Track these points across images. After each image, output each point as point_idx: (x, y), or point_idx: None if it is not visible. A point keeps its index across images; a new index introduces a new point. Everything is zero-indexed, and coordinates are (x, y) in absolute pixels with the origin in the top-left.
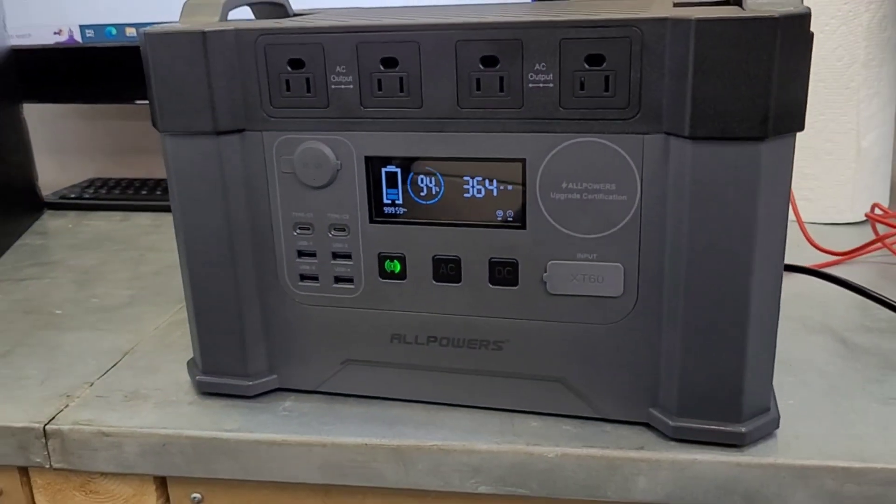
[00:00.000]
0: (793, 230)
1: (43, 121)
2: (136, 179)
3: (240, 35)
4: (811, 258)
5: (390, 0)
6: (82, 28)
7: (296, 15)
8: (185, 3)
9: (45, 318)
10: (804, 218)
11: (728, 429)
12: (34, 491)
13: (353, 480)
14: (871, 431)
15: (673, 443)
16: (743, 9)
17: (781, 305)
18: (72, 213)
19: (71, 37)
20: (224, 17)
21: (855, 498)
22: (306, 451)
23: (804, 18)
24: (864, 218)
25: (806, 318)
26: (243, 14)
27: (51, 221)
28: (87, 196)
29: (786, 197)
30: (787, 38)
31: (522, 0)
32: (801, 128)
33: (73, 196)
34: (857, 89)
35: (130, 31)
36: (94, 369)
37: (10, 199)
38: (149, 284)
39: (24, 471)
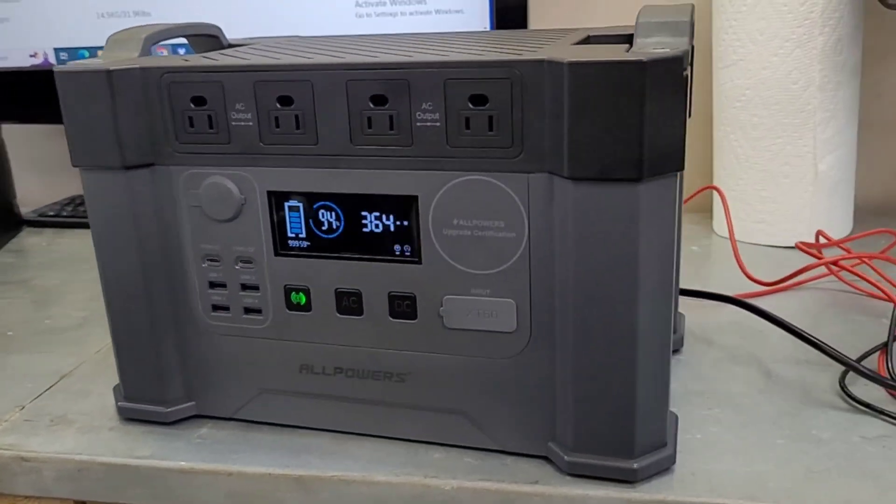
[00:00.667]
0: (730, 256)
1: (29, 140)
2: None
3: (146, 72)
4: (751, 286)
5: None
6: (56, 51)
7: (229, 46)
8: (108, 38)
9: None
10: (762, 241)
11: (620, 465)
12: None
13: None
14: (770, 468)
15: (569, 477)
16: (625, 52)
17: (713, 335)
18: (49, 231)
19: (46, 59)
20: (146, 52)
21: None
22: (213, 479)
23: (676, 61)
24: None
25: (735, 348)
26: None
27: (27, 239)
28: (65, 213)
29: (671, 235)
30: (658, 81)
31: (481, 30)
32: (681, 167)
33: (51, 213)
34: (813, 112)
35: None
36: (28, 392)
37: None
38: (103, 306)
39: None
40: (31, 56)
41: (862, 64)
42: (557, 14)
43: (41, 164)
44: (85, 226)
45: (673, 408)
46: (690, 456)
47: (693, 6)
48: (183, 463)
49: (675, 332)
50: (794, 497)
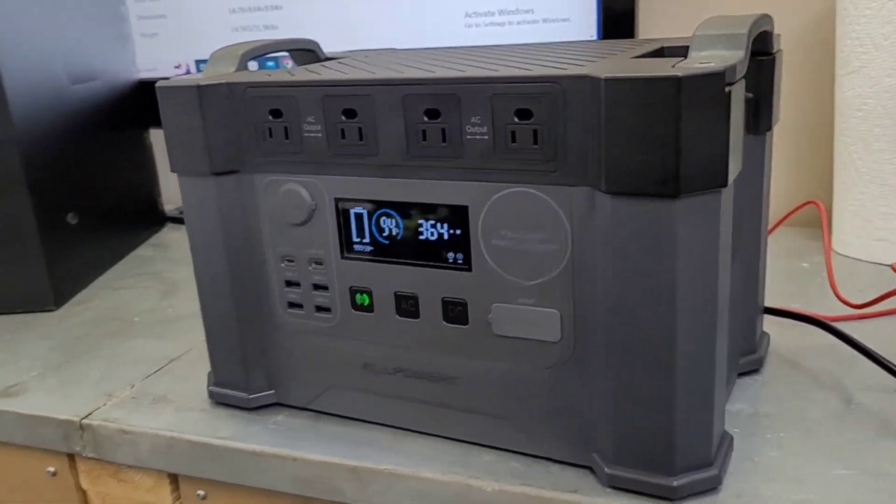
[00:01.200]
0: (842, 275)
1: None
2: None
3: (231, 87)
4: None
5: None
6: (197, 63)
7: (326, 59)
8: (211, 53)
9: (123, 324)
10: (883, 259)
11: (659, 481)
12: (79, 474)
13: (318, 494)
14: (814, 498)
15: (609, 490)
16: (673, 66)
17: (800, 357)
18: None
19: (188, 70)
20: (242, 67)
21: None
22: (280, 463)
23: (716, 77)
24: None
25: (821, 373)
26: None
27: (168, 234)
28: None
29: (714, 253)
30: (695, 96)
31: (579, 39)
32: (723, 184)
33: None
34: None
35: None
36: (140, 373)
37: (131, 214)
38: None
39: (70, 457)
40: (176, 67)
41: None
42: (668, 22)
43: None
44: None
45: (735, 429)
46: (741, 478)
47: (761, 17)
48: (255, 446)
49: (754, 353)
50: None
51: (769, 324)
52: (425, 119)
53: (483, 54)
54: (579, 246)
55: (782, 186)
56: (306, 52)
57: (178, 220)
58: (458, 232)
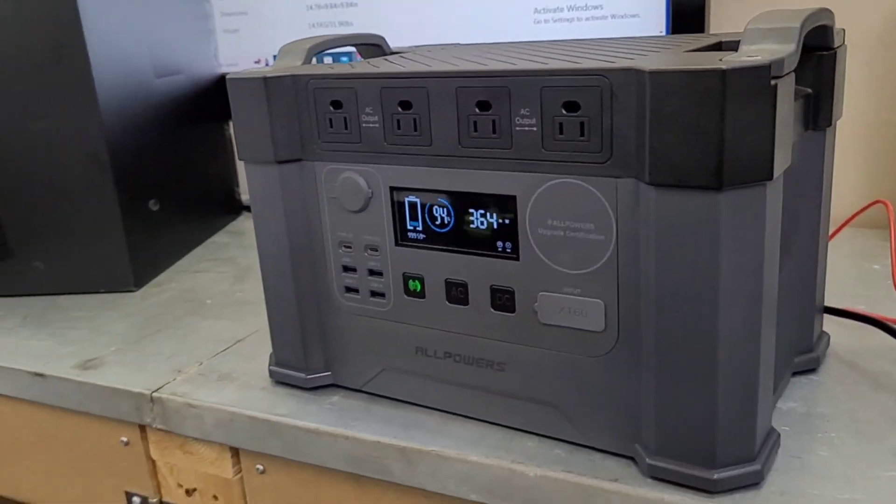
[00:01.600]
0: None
1: None
2: None
3: (295, 80)
4: None
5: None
6: (275, 58)
7: (391, 53)
8: (281, 48)
9: (196, 306)
10: None
11: (700, 474)
12: (150, 445)
13: (369, 472)
14: (861, 498)
15: (650, 480)
16: (721, 60)
17: (860, 358)
18: None
19: (267, 65)
20: (308, 61)
21: None
22: (333, 441)
23: (761, 70)
24: None
25: (881, 375)
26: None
27: (245, 222)
28: None
29: (759, 246)
30: (738, 90)
31: (643, 35)
32: (768, 177)
33: None
34: None
35: (327, 61)
36: (208, 352)
37: (209, 202)
38: None
39: (142, 428)
40: (256, 62)
41: None
42: (743, 16)
43: None
44: None
45: (785, 427)
46: (786, 476)
47: (818, 11)
48: (311, 423)
49: (810, 352)
50: None
51: (831, 324)
52: (477, 111)
53: (541, 49)
54: (624, 237)
55: (857, 186)
56: (373, 47)
57: None
58: (507, 221)
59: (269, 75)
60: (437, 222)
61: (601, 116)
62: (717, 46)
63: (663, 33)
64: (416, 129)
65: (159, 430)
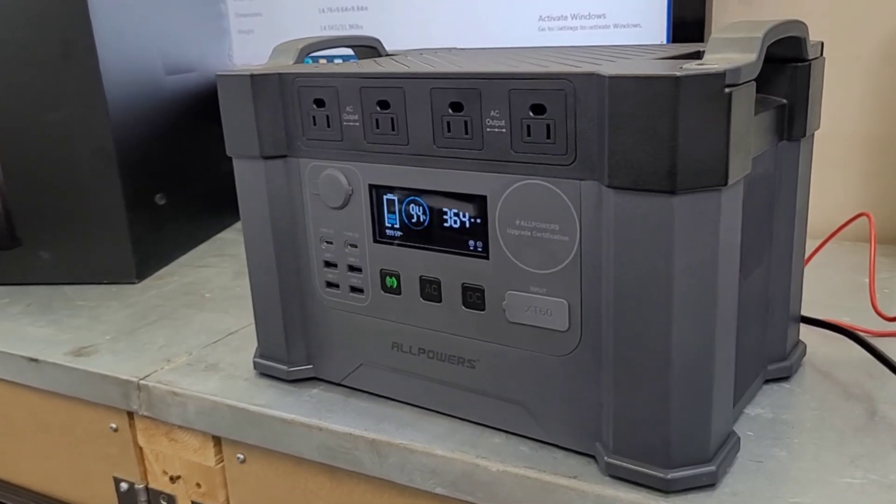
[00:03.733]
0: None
1: None
2: None
3: (281, 78)
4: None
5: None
6: None
7: (386, 55)
8: (274, 47)
9: (195, 299)
10: None
11: (654, 473)
12: (137, 432)
13: (341, 463)
14: (812, 502)
15: (608, 478)
16: (681, 67)
17: (835, 368)
18: None
19: None
20: (299, 60)
21: None
22: (307, 431)
23: (715, 78)
24: None
25: (852, 385)
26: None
27: None
28: None
29: (713, 250)
30: (691, 96)
31: (642, 43)
32: (722, 182)
33: None
34: None
35: (322, 62)
36: (199, 343)
37: (217, 199)
38: None
39: (130, 415)
40: None
41: None
42: None
43: None
44: None
45: (749, 432)
46: (742, 478)
47: (786, 23)
48: (287, 414)
49: (784, 360)
50: None
51: (813, 334)
52: (450, 111)
53: (529, 54)
54: (587, 239)
55: (855, 198)
56: (368, 49)
57: None
58: (478, 221)
59: (257, 73)
60: (413, 220)
61: (566, 119)
62: (697, 55)
63: (664, 42)
64: (393, 129)
65: (146, 417)
